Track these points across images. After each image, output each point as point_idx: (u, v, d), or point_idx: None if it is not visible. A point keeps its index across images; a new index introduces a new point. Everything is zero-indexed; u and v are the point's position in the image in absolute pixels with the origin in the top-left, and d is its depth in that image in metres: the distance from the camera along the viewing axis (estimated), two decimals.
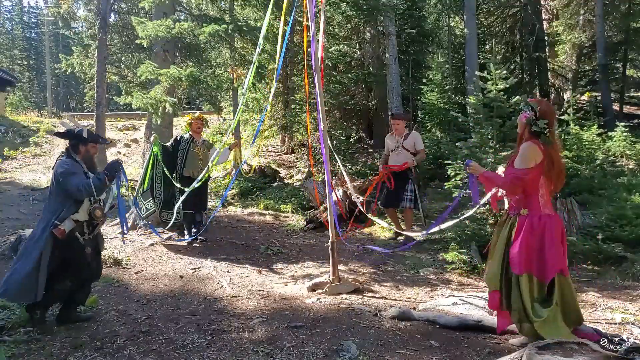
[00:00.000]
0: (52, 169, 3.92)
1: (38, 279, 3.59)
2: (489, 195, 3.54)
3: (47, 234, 3.66)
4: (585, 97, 13.77)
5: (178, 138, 6.81)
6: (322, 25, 5.29)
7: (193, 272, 5.60)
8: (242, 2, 9.67)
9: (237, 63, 10.27)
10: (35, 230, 3.81)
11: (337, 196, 7.91)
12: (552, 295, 3.10)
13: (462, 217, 4.10)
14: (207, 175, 6.82)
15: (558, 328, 3.06)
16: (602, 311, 4.15)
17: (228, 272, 5.60)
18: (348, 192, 8.32)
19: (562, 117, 9.14)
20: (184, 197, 5.94)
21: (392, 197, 6.72)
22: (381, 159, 7.18)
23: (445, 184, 6.63)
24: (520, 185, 3.15)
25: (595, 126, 8.27)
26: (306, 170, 11.74)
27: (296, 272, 5.66)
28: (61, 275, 3.78)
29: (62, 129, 4.56)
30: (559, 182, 3.28)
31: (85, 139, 3.91)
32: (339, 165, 5.40)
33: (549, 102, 3.51)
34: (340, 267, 5.21)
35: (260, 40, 4.96)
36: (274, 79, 5.38)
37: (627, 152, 8.70)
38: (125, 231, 4.53)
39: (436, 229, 4.17)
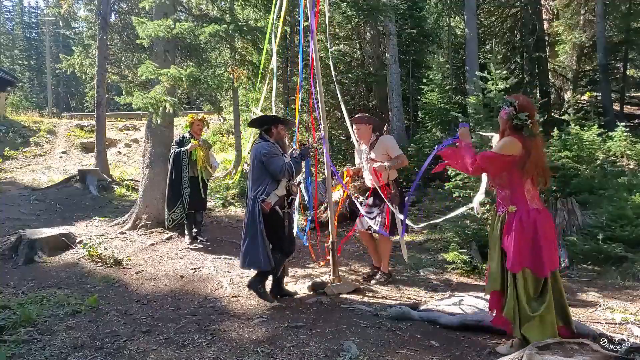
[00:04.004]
0: (249, 152, 4.46)
1: (267, 249, 4.14)
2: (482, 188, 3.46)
3: (257, 209, 4.16)
4: (585, 97, 13.77)
5: (181, 138, 6.81)
6: (327, 29, 5.31)
7: (193, 272, 5.60)
8: (243, 2, 9.66)
9: (237, 63, 10.26)
10: (247, 210, 4.31)
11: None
12: (546, 290, 3.09)
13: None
14: (204, 175, 6.83)
15: (552, 326, 3.05)
16: (602, 311, 4.14)
17: (228, 272, 5.60)
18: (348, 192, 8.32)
19: (563, 117, 9.14)
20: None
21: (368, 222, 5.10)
22: (353, 168, 5.42)
23: (446, 184, 6.62)
24: (488, 167, 3.17)
25: (596, 126, 8.26)
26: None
27: (296, 272, 5.66)
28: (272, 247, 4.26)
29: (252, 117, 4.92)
30: (544, 177, 3.24)
31: (274, 120, 4.41)
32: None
33: (529, 97, 3.53)
34: (341, 267, 5.21)
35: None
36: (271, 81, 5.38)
37: (628, 152, 8.69)
38: (311, 209, 5.42)
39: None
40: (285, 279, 5.33)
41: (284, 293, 4.56)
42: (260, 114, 4.76)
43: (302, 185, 5.02)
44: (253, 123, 4.62)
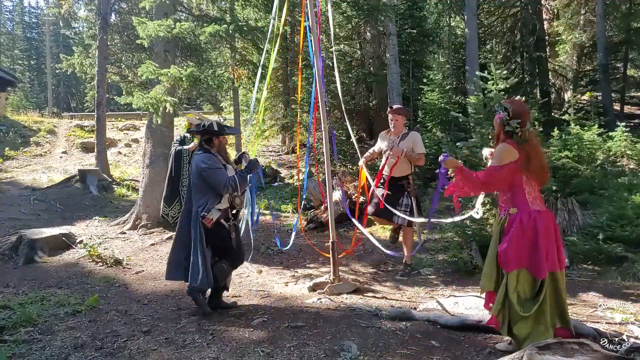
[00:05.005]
0: (189, 163, 4.18)
1: (207, 267, 3.93)
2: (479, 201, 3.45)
3: (198, 226, 3.94)
4: (585, 97, 13.78)
5: (182, 137, 6.82)
6: (332, 30, 5.31)
7: None
8: (243, 2, 9.66)
9: (237, 63, 10.28)
10: (185, 226, 4.09)
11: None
12: (541, 292, 3.08)
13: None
14: None
15: (545, 327, 3.04)
16: (602, 311, 4.14)
17: None
18: (348, 192, 8.33)
19: (563, 117, 9.15)
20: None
21: (385, 210, 5.31)
22: (364, 155, 5.68)
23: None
24: (496, 182, 3.16)
25: (596, 126, 8.26)
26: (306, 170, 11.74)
27: (297, 272, 5.66)
28: (214, 261, 4.09)
29: (192, 125, 4.90)
30: (543, 178, 3.28)
31: (218, 131, 4.10)
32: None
33: (523, 101, 3.62)
34: (341, 267, 5.22)
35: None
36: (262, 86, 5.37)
37: (628, 152, 8.70)
38: (255, 223, 4.96)
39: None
40: (286, 279, 5.35)
41: (223, 305, 4.25)
42: (202, 118, 4.46)
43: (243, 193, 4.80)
44: (195, 132, 4.30)
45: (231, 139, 17.50)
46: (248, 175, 4.24)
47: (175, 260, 4.14)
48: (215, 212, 3.97)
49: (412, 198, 5.39)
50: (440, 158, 3.37)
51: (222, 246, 4.08)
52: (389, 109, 5.69)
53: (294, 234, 5.63)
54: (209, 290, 4.17)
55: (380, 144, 5.67)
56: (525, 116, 3.20)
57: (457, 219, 4.29)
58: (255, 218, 4.91)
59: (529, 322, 3.05)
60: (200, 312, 4.03)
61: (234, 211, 4.20)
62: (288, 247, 5.62)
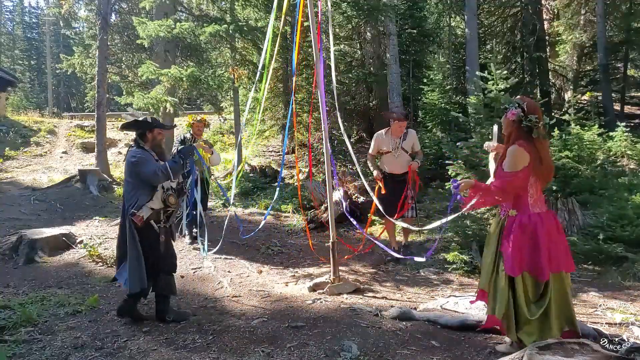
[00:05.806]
0: (124, 161, 3.99)
1: (141, 268, 3.75)
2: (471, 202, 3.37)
3: (128, 225, 3.76)
4: (586, 97, 13.78)
5: (182, 138, 6.82)
6: (331, 36, 5.34)
7: (194, 272, 5.60)
8: (243, 2, 9.67)
9: (237, 63, 10.28)
10: (124, 227, 3.90)
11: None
12: (545, 294, 3.06)
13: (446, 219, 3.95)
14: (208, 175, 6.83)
15: (550, 330, 3.02)
16: (602, 311, 4.14)
17: (229, 272, 5.61)
18: (349, 192, 8.33)
19: (563, 117, 9.14)
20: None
21: (392, 206, 5.80)
22: (370, 162, 6.23)
23: (446, 184, 6.61)
24: (512, 189, 3.09)
25: (596, 126, 8.25)
26: (307, 170, 11.75)
27: (297, 272, 5.66)
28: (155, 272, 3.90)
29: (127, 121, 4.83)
30: (549, 177, 3.25)
31: (151, 124, 3.99)
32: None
33: (531, 98, 3.59)
34: (341, 267, 5.22)
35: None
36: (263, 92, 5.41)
37: (628, 152, 8.70)
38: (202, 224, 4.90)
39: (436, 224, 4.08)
40: (286, 279, 5.35)
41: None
42: (138, 115, 4.37)
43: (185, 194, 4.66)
44: (127, 126, 4.20)
45: (231, 139, 17.50)
46: (180, 160, 3.97)
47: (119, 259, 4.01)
48: (146, 210, 3.78)
49: (413, 191, 6.00)
50: (452, 189, 3.23)
51: (151, 250, 3.86)
52: (396, 115, 6.07)
53: (264, 220, 5.93)
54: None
55: (381, 145, 6.11)
56: (539, 112, 3.16)
57: (454, 215, 4.17)
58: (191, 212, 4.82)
59: (535, 326, 3.03)
60: (132, 315, 3.92)
61: (167, 212, 3.98)
62: (251, 235, 5.79)
